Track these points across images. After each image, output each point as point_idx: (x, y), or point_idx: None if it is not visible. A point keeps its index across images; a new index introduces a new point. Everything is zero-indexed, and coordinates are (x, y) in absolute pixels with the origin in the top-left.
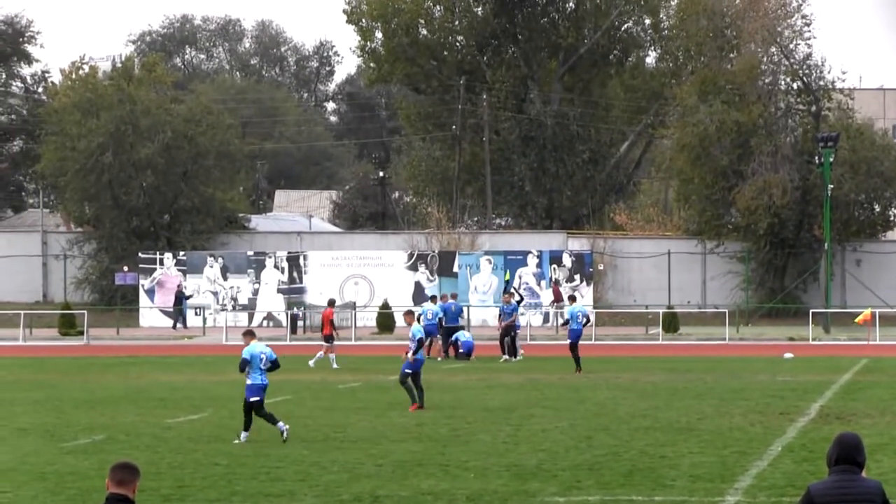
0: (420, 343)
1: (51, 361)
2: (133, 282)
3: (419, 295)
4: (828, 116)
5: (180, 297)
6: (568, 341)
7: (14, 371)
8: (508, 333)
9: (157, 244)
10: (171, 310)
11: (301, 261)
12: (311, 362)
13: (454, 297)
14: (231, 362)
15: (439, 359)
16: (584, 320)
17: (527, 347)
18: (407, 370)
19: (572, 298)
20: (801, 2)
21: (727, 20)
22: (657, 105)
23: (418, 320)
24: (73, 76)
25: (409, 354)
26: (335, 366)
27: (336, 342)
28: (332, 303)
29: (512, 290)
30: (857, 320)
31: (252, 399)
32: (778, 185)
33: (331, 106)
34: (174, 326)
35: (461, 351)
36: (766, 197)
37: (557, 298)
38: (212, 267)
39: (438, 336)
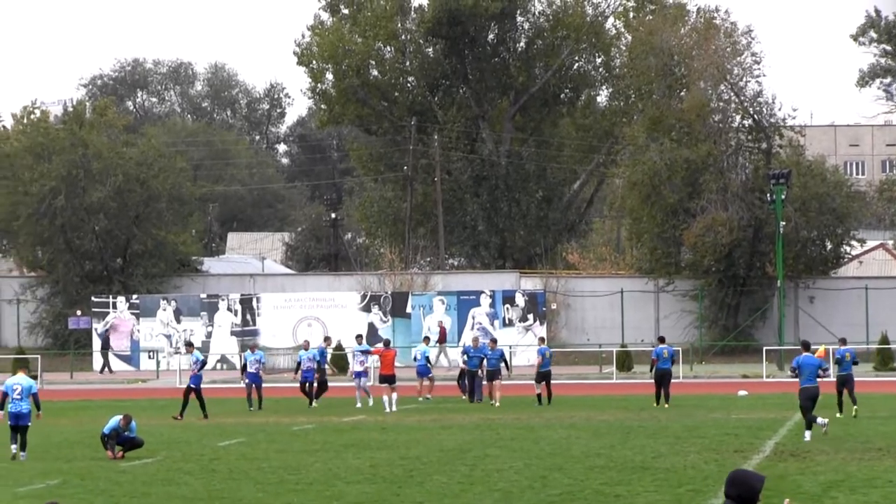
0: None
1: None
2: (86, 326)
3: (373, 336)
4: (779, 153)
5: (106, 342)
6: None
7: None
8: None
9: (110, 288)
10: (127, 354)
11: (254, 303)
12: (392, 408)
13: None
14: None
15: (428, 397)
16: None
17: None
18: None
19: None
20: (750, 39)
21: (676, 58)
22: (608, 144)
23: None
24: (25, 120)
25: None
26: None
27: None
28: (388, 343)
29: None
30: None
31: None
32: (724, 223)
33: (282, 148)
34: (102, 370)
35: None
36: (712, 235)
37: (442, 339)
38: (165, 310)
39: (430, 376)
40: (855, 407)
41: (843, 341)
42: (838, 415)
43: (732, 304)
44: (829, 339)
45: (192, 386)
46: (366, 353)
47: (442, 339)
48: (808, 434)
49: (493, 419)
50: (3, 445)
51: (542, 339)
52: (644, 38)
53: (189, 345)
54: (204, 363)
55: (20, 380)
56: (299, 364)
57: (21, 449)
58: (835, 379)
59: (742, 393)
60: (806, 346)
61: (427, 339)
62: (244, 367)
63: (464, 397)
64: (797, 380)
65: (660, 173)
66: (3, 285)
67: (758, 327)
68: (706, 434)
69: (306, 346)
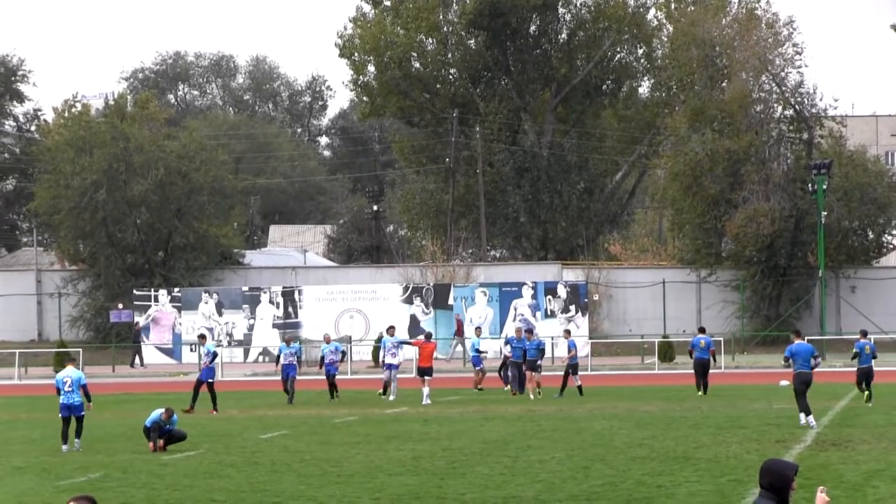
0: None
1: (46, 400)
2: (128, 319)
3: (415, 328)
4: (820, 144)
5: (137, 336)
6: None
7: (10, 410)
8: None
9: (152, 281)
10: (169, 347)
11: (296, 295)
12: (426, 400)
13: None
14: (227, 397)
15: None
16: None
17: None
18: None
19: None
20: (791, 30)
21: (718, 49)
22: (650, 135)
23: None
24: (66, 114)
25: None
26: (427, 401)
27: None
28: (429, 335)
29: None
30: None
31: None
32: (766, 213)
33: (324, 140)
34: (132, 364)
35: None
36: (754, 225)
37: (459, 332)
38: (207, 303)
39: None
40: (870, 397)
41: (864, 333)
42: (869, 404)
43: (774, 295)
44: (871, 329)
45: (204, 380)
46: (399, 345)
47: (459, 331)
48: (803, 418)
49: (534, 410)
50: (47, 438)
51: (567, 332)
52: (686, 29)
53: (202, 337)
54: (215, 356)
55: (69, 372)
56: (322, 358)
57: (76, 436)
58: (856, 371)
59: (784, 383)
60: (798, 334)
61: (479, 330)
62: (278, 359)
63: (506, 388)
64: (790, 369)
65: (701, 164)
66: (45, 279)
67: (800, 317)
68: (748, 424)
69: (328, 340)
